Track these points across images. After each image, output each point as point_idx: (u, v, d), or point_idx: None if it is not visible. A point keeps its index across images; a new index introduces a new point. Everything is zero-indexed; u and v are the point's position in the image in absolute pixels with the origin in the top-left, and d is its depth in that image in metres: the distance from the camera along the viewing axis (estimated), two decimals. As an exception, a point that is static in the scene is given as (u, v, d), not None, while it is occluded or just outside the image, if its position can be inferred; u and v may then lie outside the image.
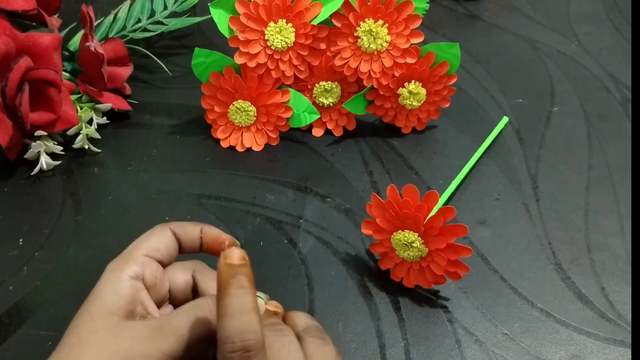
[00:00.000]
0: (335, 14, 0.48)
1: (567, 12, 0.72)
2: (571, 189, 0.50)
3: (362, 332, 0.39)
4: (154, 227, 0.35)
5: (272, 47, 0.48)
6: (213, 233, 0.35)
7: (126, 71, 0.55)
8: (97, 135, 0.52)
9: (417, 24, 0.48)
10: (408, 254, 0.40)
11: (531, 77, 0.62)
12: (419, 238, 0.39)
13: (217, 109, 0.51)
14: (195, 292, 0.35)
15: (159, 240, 0.34)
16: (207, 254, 0.36)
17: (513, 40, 0.67)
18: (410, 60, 0.49)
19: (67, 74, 0.52)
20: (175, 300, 0.35)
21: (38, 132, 0.48)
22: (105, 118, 0.53)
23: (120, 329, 0.30)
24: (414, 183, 0.39)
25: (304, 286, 0.42)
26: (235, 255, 0.29)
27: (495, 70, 0.63)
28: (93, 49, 0.49)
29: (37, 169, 0.49)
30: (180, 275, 0.34)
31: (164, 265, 0.34)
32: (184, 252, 0.36)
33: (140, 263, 0.33)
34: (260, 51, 0.48)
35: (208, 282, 0.35)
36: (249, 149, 0.53)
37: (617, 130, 0.56)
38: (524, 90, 0.60)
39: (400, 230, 0.39)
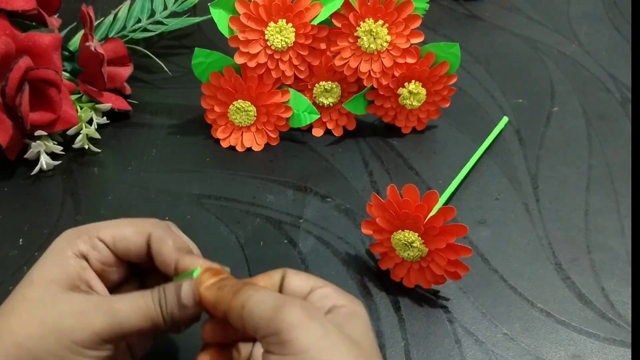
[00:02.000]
0: (335, 14, 0.48)
1: (567, 12, 0.72)
2: (571, 189, 0.50)
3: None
4: (143, 219, 0.33)
5: (272, 47, 0.48)
6: (188, 264, 0.31)
7: (126, 71, 0.55)
8: (97, 135, 0.52)
9: (417, 24, 0.48)
10: (408, 254, 0.40)
11: (531, 77, 0.62)
12: (419, 238, 0.39)
13: (217, 109, 0.51)
14: (151, 258, 0.32)
15: (125, 235, 0.32)
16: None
17: (513, 40, 0.67)
18: (410, 60, 0.49)
19: (67, 74, 0.53)
20: (127, 259, 0.33)
21: (38, 132, 0.48)
22: (105, 118, 0.53)
23: (56, 299, 0.29)
24: (414, 183, 0.39)
25: (304, 286, 0.42)
26: (205, 277, 0.29)
27: (495, 70, 0.63)
28: (93, 49, 0.49)
29: (37, 169, 0.49)
30: (133, 240, 0.32)
31: (120, 257, 0.32)
32: (155, 262, 0.32)
33: (89, 245, 0.31)
34: (260, 51, 0.48)
35: (163, 257, 0.31)
36: (249, 149, 0.53)
37: (617, 130, 0.56)
38: (524, 90, 0.60)
39: (400, 230, 0.39)
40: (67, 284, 0.30)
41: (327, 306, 0.29)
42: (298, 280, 0.30)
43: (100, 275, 0.32)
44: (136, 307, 0.29)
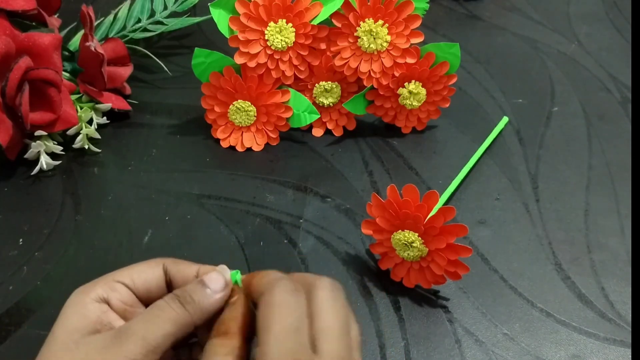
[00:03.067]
0: (335, 14, 0.48)
1: (567, 12, 0.72)
2: (571, 189, 0.50)
3: (362, 332, 0.39)
4: (149, 260, 0.33)
5: (272, 47, 0.48)
6: (210, 271, 0.32)
7: (126, 71, 0.55)
8: (97, 135, 0.52)
9: (417, 24, 0.48)
10: (408, 254, 0.40)
11: (531, 77, 0.62)
12: (419, 238, 0.39)
13: (217, 109, 0.51)
14: (170, 287, 0.33)
15: (141, 270, 0.32)
16: None
17: (513, 40, 0.67)
18: (410, 60, 0.49)
19: (67, 74, 0.52)
20: (150, 301, 0.32)
21: (38, 132, 0.48)
22: (105, 118, 0.53)
23: (78, 344, 0.29)
24: (414, 183, 0.39)
25: (304, 286, 0.42)
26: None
27: (495, 70, 0.63)
28: (93, 49, 0.49)
29: (37, 169, 0.49)
30: (150, 272, 0.32)
31: (142, 298, 0.32)
32: (175, 288, 0.32)
33: (108, 288, 0.31)
34: (260, 51, 0.48)
35: (183, 271, 0.32)
36: (249, 149, 0.53)
37: (617, 130, 0.56)
38: (524, 90, 0.60)
39: (400, 230, 0.39)
40: (88, 329, 0.30)
41: None
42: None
43: (124, 316, 0.32)
44: (154, 319, 0.29)
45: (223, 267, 0.32)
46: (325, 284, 0.29)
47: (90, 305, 0.30)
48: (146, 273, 0.32)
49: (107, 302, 0.31)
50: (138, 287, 0.32)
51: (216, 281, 0.31)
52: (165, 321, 0.29)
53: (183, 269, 0.32)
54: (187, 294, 0.30)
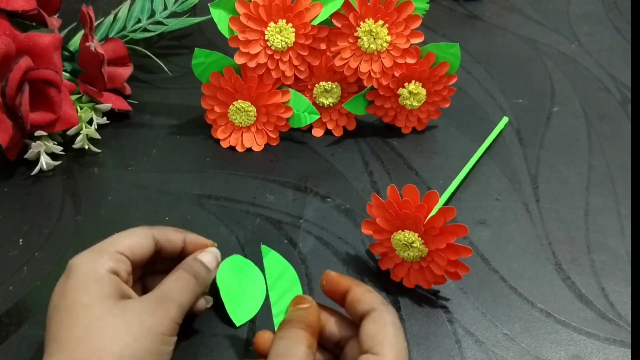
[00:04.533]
0: (335, 14, 0.48)
1: (567, 12, 0.72)
2: (571, 189, 0.50)
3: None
4: (136, 227, 0.36)
5: (272, 47, 0.48)
6: (196, 241, 0.38)
7: (126, 71, 0.55)
8: (97, 135, 0.52)
9: (417, 24, 0.48)
10: (408, 254, 0.40)
11: (531, 77, 0.62)
12: (419, 238, 0.39)
13: (217, 109, 0.51)
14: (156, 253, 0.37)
15: (137, 241, 0.35)
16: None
17: (513, 40, 0.67)
18: (410, 61, 0.49)
19: (67, 74, 0.53)
20: (164, 256, 0.37)
21: (38, 132, 0.48)
22: (105, 118, 0.53)
23: (122, 309, 0.31)
24: (414, 183, 0.39)
25: (304, 286, 0.42)
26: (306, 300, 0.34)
27: (495, 70, 0.63)
28: (93, 49, 0.49)
29: (37, 169, 0.49)
30: (145, 244, 0.35)
31: (136, 265, 0.35)
32: (162, 257, 0.37)
33: (115, 260, 0.33)
34: (260, 51, 0.48)
35: (172, 241, 0.37)
36: (249, 149, 0.53)
37: (617, 130, 0.56)
38: (524, 90, 0.60)
39: (400, 231, 0.39)
40: (117, 295, 0.32)
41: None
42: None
43: (127, 284, 0.34)
44: (187, 287, 0.34)
45: (215, 250, 0.38)
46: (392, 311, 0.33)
47: (106, 277, 0.32)
48: (142, 245, 0.35)
49: (117, 274, 0.33)
50: (136, 258, 0.35)
51: (212, 263, 0.37)
52: (191, 291, 0.34)
53: (171, 238, 0.37)
54: (196, 271, 0.35)
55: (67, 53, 0.54)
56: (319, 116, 0.52)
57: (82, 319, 0.30)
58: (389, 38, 0.48)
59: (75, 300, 0.31)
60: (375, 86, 0.50)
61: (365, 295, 0.33)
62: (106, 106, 0.52)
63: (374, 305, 0.32)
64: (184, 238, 0.37)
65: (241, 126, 0.52)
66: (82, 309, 0.31)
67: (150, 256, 0.36)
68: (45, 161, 0.49)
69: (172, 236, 0.37)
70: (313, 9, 0.47)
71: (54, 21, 0.55)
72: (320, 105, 0.53)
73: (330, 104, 0.53)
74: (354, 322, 0.33)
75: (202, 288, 0.36)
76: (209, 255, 0.37)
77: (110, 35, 0.58)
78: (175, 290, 0.33)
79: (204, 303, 0.38)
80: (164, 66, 0.59)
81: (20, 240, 0.45)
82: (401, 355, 0.30)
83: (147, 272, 0.38)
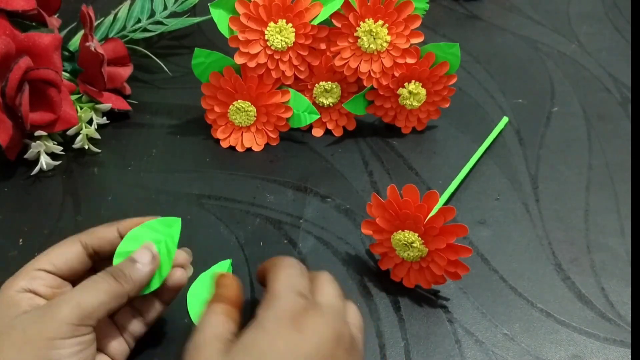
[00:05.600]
0: (335, 14, 0.48)
1: (567, 12, 0.72)
2: (571, 189, 0.50)
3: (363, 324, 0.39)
4: (65, 239, 0.35)
5: (272, 47, 0.48)
6: (131, 226, 0.36)
7: (126, 71, 0.55)
8: (97, 135, 0.52)
9: (417, 24, 0.48)
10: (408, 254, 0.40)
11: (531, 77, 0.62)
12: (419, 238, 0.39)
13: (217, 109, 0.51)
14: (94, 258, 0.36)
15: (59, 253, 0.34)
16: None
17: (513, 40, 0.67)
18: (410, 61, 0.49)
19: (67, 74, 0.52)
20: (77, 279, 0.35)
21: (38, 132, 0.48)
22: (105, 118, 0.53)
23: (10, 326, 0.30)
24: (414, 183, 0.39)
25: (304, 286, 0.42)
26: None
27: (495, 70, 0.63)
28: (93, 49, 0.49)
29: (37, 169, 0.49)
30: (69, 252, 0.34)
31: (68, 277, 0.34)
32: (104, 256, 0.36)
33: (29, 278, 0.33)
34: (260, 51, 0.48)
35: (104, 237, 0.35)
36: (249, 149, 0.53)
37: (617, 130, 0.56)
38: (524, 90, 0.60)
39: (400, 231, 0.39)
40: (21, 312, 0.31)
41: None
42: None
43: (54, 296, 0.33)
44: (86, 286, 0.32)
45: (150, 243, 0.35)
46: (327, 274, 0.35)
47: (16, 297, 0.32)
48: (66, 254, 0.34)
49: (32, 292, 0.32)
50: (61, 268, 0.34)
51: (144, 255, 0.34)
52: (99, 291, 0.32)
53: (102, 235, 0.35)
54: (119, 269, 0.33)
55: (67, 53, 0.54)
56: (319, 116, 0.52)
57: None
58: (389, 38, 0.48)
59: None
60: (375, 86, 0.50)
61: (268, 262, 0.35)
62: (106, 106, 0.52)
63: (272, 261, 0.34)
64: (117, 229, 0.36)
65: (241, 126, 0.52)
66: None
67: (82, 263, 0.35)
68: (45, 161, 0.49)
69: (102, 232, 0.35)
70: (313, 9, 0.47)
71: (54, 21, 0.55)
72: (320, 105, 0.53)
73: (330, 104, 0.53)
74: None
75: (132, 286, 0.33)
76: (140, 250, 0.35)
77: (110, 35, 0.58)
78: (76, 292, 0.32)
79: (183, 274, 0.36)
80: (164, 66, 0.59)
81: (20, 240, 0.45)
82: (289, 280, 0.32)
83: None
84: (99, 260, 0.36)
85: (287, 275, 0.32)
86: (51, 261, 0.34)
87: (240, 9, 0.47)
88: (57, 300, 0.31)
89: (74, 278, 0.35)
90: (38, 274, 0.33)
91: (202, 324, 0.31)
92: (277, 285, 0.32)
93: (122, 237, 0.36)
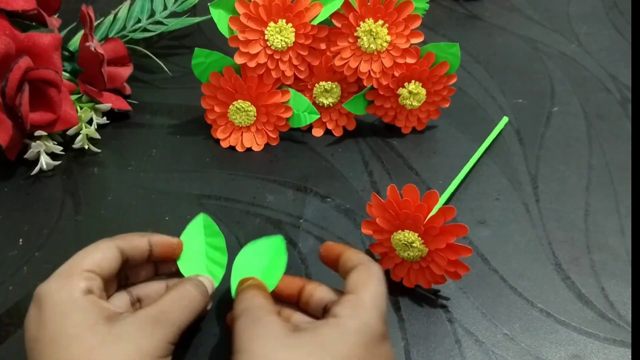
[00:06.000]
0: (335, 14, 0.48)
1: (567, 12, 0.72)
2: (571, 189, 0.50)
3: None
4: (98, 241, 0.35)
5: (272, 47, 0.48)
6: (162, 241, 0.37)
7: (126, 71, 0.55)
8: (97, 135, 0.52)
9: (417, 24, 0.48)
10: (408, 254, 0.40)
11: (531, 77, 0.62)
12: (419, 238, 0.39)
13: (217, 109, 0.51)
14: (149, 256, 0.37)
15: (102, 256, 0.33)
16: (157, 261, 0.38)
17: (513, 40, 0.67)
18: (410, 60, 0.49)
19: (67, 74, 0.52)
20: (134, 264, 0.36)
21: (38, 132, 0.48)
22: (105, 118, 0.53)
23: (115, 335, 0.30)
24: (414, 183, 0.39)
25: (304, 286, 0.42)
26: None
27: (495, 70, 0.63)
28: (93, 49, 0.49)
29: (37, 169, 0.49)
30: (111, 257, 0.34)
31: (109, 277, 0.34)
32: (132, 265, 0.36)
33: (85, 279, 0.32)
34: (260, 51, 0.48)
35: (137, 247, 0.36)
36: (249, 149, 0.53)
37: (617, 130, 0.56)
38: (524, 90, 0.60)
39: (400, 230, 0.39)
40: (102, 318, 0.31)
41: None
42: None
43: (102, 299, 0.33)
44: (184, 308, 0.33)
45: (208, 278, 0.37)
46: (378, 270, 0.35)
47: (84, 300, 0.31)
48: (109, 259, 0.34)
49: (91, 292, 0.32)
50: (104, 272, 0.33)
51: (210, 286, 0.37)
52: (192, 310, 0.33)
53: (137, 245, 0.36)
54: (203, 288, 0.35)
55: (67, 53, 0.54)
56: (319, 116, 0.52)
57: (73, 351, 0.29)
58: (388, 38, 0.48)
59: (59, 331, 0.29)
60: (375, 86, 0.50)
61: (354, 255, 0.35)
62: (106, 106, 0.52)
63: (362, 261, 0.34)
64: (149, 241, 0.36)
65: (241, 126, 0.52)
66: (70, 340, 0.29)
67: (118, 268, 0.34)
68: (45, 161, 0.49)
69: (137, 242, 0.36)
70: (313, 9, 0.47)
71: (54, 21, 0.55)
72: (320, 105, 0.53)
73: (330, 104, 0.53)
74: (339, 291, 0.35)
75: (204, 309, 0.36)
76: (206, 279, 0.37)
77: (110, 35, 0.58)
78: (175, 310, 0.32)
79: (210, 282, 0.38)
80: (164, 66, 0.59)
81: (20, 240, 0.45)
82: (378, 299, 0.32)
83: (132, 282, 0.37)
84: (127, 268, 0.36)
85: (377, 291, 0.33)
86: (98, 264, 0.33)
87: (240, 9, 0.47)
88: (160, 318, 0.31)
89: (110, 279, 0.35)
90: (90, 275, 0.32)
91: (248, 306, 0.32)
92: (367, 296, 0.32)
93: (153, 249, 0.36)
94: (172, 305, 0.32)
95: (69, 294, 0.31)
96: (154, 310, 0.31)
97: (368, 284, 0.33)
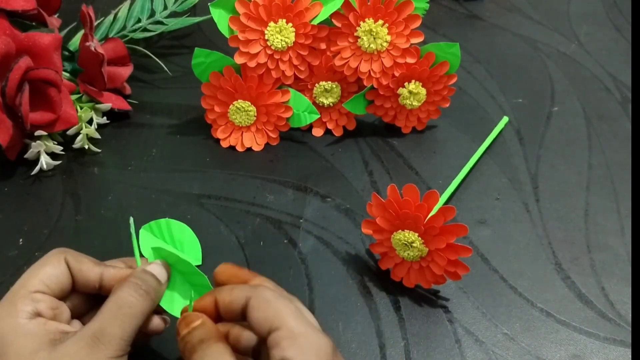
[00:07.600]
0: (335, 14, 0.48)
1: (567, 12, 0.72)
2: (571, 189, 0.50)
3: (362, 332, 0.39)
4: (49, 254, 0.33)
5: (272, 47, 0.48)
6: (115, 277, 0.33)
7: (126, 71, 0.55)
8: (97, 135, 0.52)
9: (417, 24, 0.48)
10: (408, 254, 0.40)
11: (531, 77, 0.62)
12: (419, 238, 0.39)
13: (217, 109, 0.51)
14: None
15: (50, 274, 0.32)
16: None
17: (513, 40, 0.67)
18: (410, 60, 0.49)
19: (67, 74, 0.52)
20: (63, 294, 0.33)
21: (38, 132, 0.48)
22: (105, 118, 0.53)
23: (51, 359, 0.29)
24: (414, 183, 0.39)
25: (304, 286, 0.42)
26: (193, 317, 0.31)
27: (495, 70, 0.63)
28: (93, 49, 0.49)
29: (37, 169, 0.49)
30: (59, 273, 0.33)
31: (59, 296, 0.33)
32: (77, 290, 0.34)
33: (30, 301, 0.31)
34: (260, 51, 0.48)
35: (86, 274, 0.33)
36: (249, 149, 0.53)
37: (617, 130, 0.56)
38: (524, 90, 0.60)
39: (400, 230, 0.39)
40: (45, 343, 0.29)
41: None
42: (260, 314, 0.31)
43: (55, 320, 0.32)
44: (124, 320, 0.30)
45: (158, 263, 0.35)
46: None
47: (27, 326, 0.30)
48: (56, 275, 0.32)
49: (39, 315, 0.31)
50: (54, 290, 0.32)
51: (163, 275, 0.34)
52: (135, 316, 0.31)
53: (86, 271, 0.33)
54: (147, 284, 0.32)
55: (67, 53, 0.54)
56: (319, 116, 0.52)
57: None
58: (389, 38, 0.48)
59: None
60: (375, 86, 0.50)
61: (232, 293, 0.31)
62: (106, 106, 0.52)
63: (245, 294, 0.31)
64: (101, 275, 0.33)
65: (241, 126, 0.52)
66: None
67: (68, 282, 0.33)
68: (45, 161, 0.49)
69: (87, 271, 0.33)
70: (313, 9, 0.47)
71: (54, 21, 0.55)
72: (320, 105, 0.53)
73: (330, 104, 0.53)
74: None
75: (153, 306, 0.33)
76: (158, 267, 0.34)
77: (110, 35, 0.58)
78: (114, 324, 0.30)
79: (161, 323, 0.34)
80: (164, 66, 0.59)
81: (20, 240, 0.45)
82: (299, 316, 0.29)
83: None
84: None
85: (289, 308, 0.30)
86: (44, 283, 0.32)
87: (240, 9, 0.47)
88: (99, 335, 0.29)
89: (64, 295, 0.33)
90: (37, 296, 0.31)
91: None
92: (290, 320, 0.29)
93: (104, 285, 0.33)
94: (111, 320, 0.30)
95: (14, 321, 0.30)
96: (92, 328, 0.30)
97: (279, 310, 0.29)
